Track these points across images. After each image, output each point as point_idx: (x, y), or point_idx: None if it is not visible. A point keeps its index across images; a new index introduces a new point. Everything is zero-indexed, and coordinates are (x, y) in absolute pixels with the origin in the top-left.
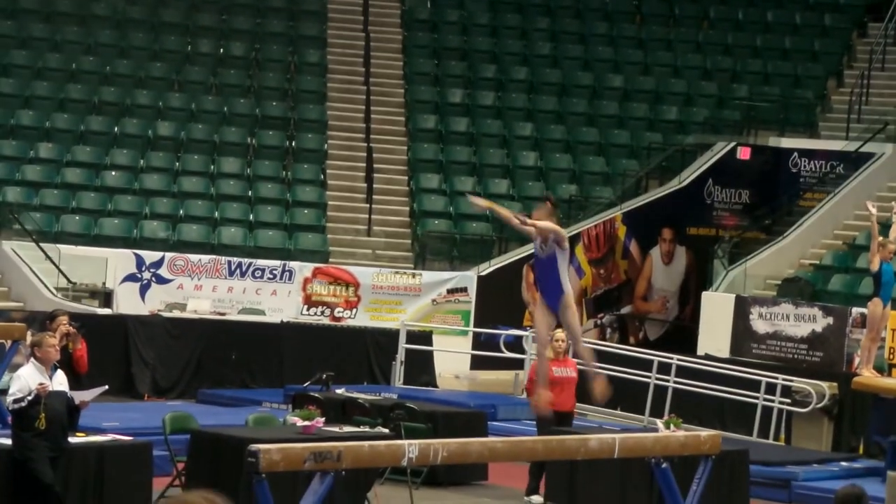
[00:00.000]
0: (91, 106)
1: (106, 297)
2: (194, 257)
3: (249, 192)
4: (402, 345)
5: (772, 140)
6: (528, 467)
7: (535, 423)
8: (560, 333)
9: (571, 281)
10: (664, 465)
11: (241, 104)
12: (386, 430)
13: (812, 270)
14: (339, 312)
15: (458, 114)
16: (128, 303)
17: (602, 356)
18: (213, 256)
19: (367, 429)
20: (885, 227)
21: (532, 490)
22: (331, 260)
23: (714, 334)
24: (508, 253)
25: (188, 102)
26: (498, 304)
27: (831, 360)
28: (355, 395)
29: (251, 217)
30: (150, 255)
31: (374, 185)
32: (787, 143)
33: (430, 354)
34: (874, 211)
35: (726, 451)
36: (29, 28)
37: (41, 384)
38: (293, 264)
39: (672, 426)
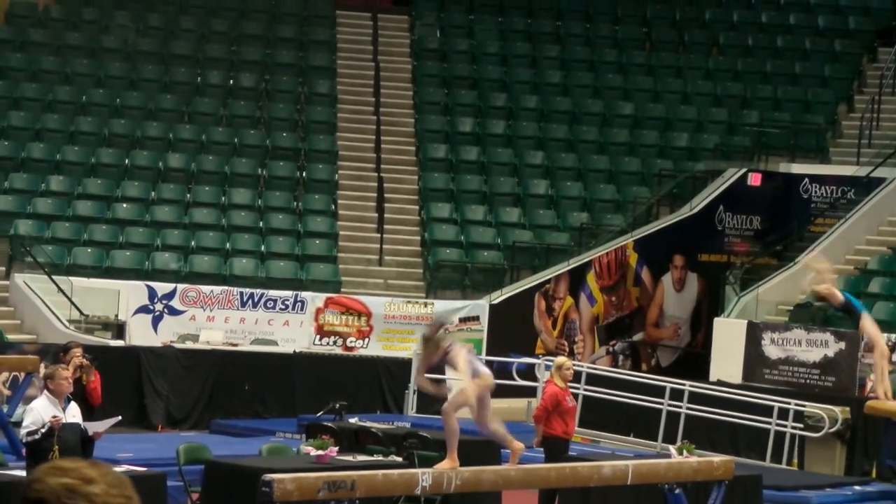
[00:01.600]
0: (102, 138)
1: (118, 329)
2: (206, 288)
3: (260, 223)
4: (415, 374)
5: (782, 166)
6: (538, 496)
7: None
8: (568, 361)
9: (582, 308)
10: (677, 491)
11: (251, 135)
12: (399, 459)
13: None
14: (351, 342)
15: (468, 143)
16: (140, 334)
17: (614, 383)
18: (225, 287)
19: (380, 458)
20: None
21: None
22: (342, 290)
23: (726, 360)
24: (520, 281)
25: (198, 134)
26: (510, 333)
27: (843, 385)
28: (368, 424)
29: (262, 248)
30: (162, 287)
31: (385, 215)
32: (797, 168)
33: (442, 383)
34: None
35: (739, 477)
36: (39, 61)
37: (55, 416)
38: (305, 294)
39: (685, 452)
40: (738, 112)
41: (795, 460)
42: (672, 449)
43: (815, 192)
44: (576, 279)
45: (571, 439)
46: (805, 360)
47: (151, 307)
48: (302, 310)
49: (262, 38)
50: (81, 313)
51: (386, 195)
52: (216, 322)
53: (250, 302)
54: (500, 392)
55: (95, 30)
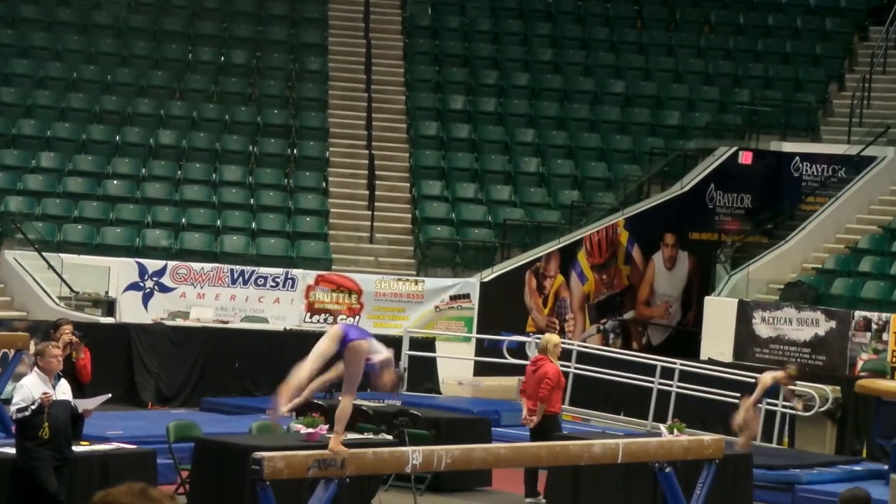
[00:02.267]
0: (92, 115)
1: (109, 306)
2: (197, 266)
3: (251, 200)
4: (406, 351)
5: (773, 144)
6: (523, 472)
7: None
8: (557, 338)
9: (573, 286)
10: (668, 470)
11: (242, 112)
12: (390, 437)
13: (814, 274)
14: (341, 320)
15: (459, 120)
16: (131, 311)
17: (605, 361)
18: (216, 265)
19: (370, 436)
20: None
21: (530, 493)
22: (333, 267)
23: (717, 339)
24: (511, 259)
25: (189, 111)
26: (500, 311)
27: (834, 364)
28: (359, 402)
29: (253, 225)
30: (152, 264)
31: (376, 193)
32: (788, 147)
33: (433, 361)
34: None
35: (730, 456)
36: (30, 37)
37: (45, 393)
38: (296, 272)
39: (675, 431)
40: (729, 90)
41: (786, 439)
42: (663, 428)
43: (806, 170)
44: (567, 257)
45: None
46: (796, 339)
47: (142, 284)
48: (293, 287)
49: (253, 15)
50: (72, 290)
51: (377, 173)
52: (206, 299)
53: (241, 279)
54: (490, 370)
55: (86, 6)
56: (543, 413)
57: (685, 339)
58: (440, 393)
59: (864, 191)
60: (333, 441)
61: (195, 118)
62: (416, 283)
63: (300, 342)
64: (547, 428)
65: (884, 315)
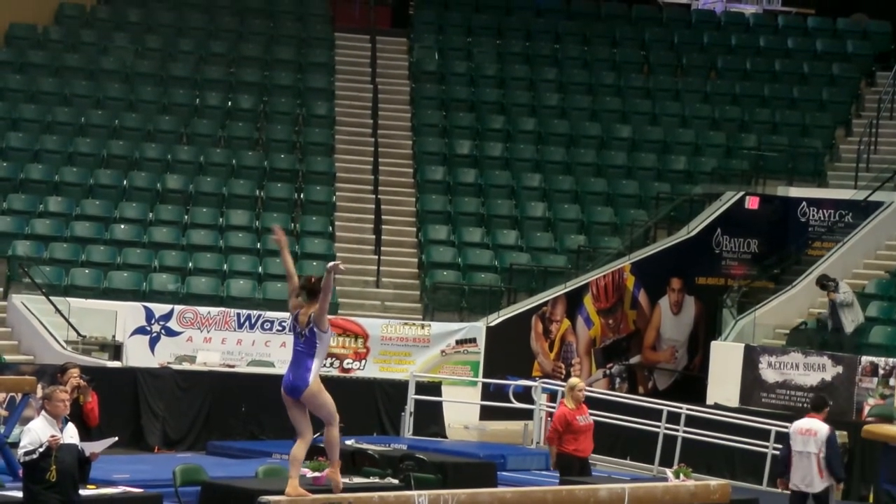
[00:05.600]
0: (100, 160)
1: (115, 350)
2: (203, 310)
3: (258, 245)
4: (412, 395)
5: (780, 189)
6: None
7: (544, 473)
8: (581, 382)
9: (579, 331)
10: None
11: (249, 157)
12: (396, 481)
13: (817, 320)
14: (348, 364)
15: (466, 165)
16: (137, 355)
17: (611, 406)
18: (223, 309)
19: (376, 480)
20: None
21: None
22: (339, 311)
23: (723, 384)
24: (517, 304)
25: (197, 155)
26: (507, 355)
27: (841, 409)
28: (365, 446)
29: (260, 269)
30: (159, 308)
31: (383, 237)
32: (795, 192)
33: (439, 405)
34: None
35: (736, 501)
36: (38, 83)
37: (52, 437)
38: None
39: (682, 475)
40: (735, 135)
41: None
42: (669, 472)
43: (813, 215)
44: (573, 302)
45: (587, 457)
46: (802, 384)
47: (149, 328)
48: None
49: (260, 60)
50: (79, 334)
51: (383, 217)
52: (213, 343)
53: (247, 323)
54: (496, 414)
55: (94, 52)
56: (557, 454)
57: (691, 384)
58: (446, 437)
59: (872, 236)
60: (331, 472)
61: (202, 163)
62: (423, 327)
63: None
64: (562, 469)
65: (891, 360)
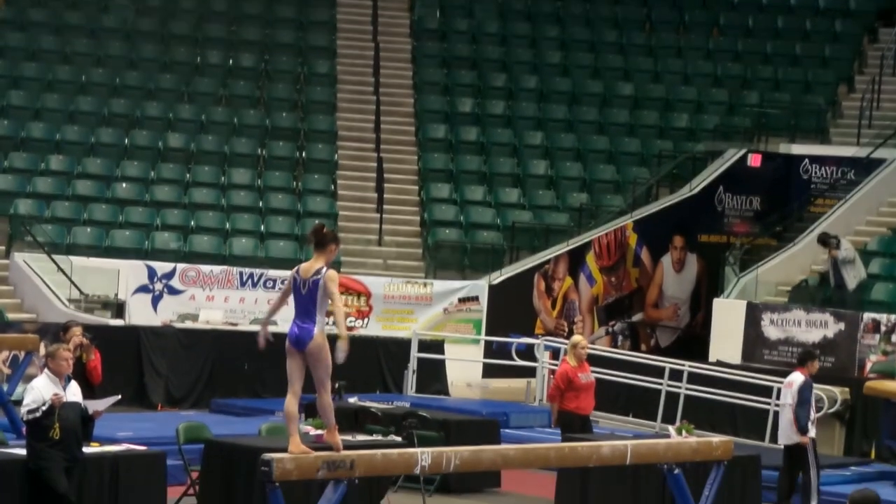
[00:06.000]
0: (101, 118)
1: (118, 309)
2: (206, 268)
3: (260, 203)
4: (414, 354)
5: (782, 147)
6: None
7: (547, 430)
8: (583, 340)
9: (582, 289)
10: (676, 471)
11: (250, 115)
12: (398, 439)
13: (819, 276)
14: (350, 322)
15: (468, 123)
16: (140, 314)
17: (614, 363)
18: (225, 267)
19: (379, 437)
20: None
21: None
22: (342, 270)
23: (725, 341)
24: (520, 261)
25: (198, 114)
26: (509, 313)
27: (843, 366)
28: (368, 404)
29: (262, 228)
30: (161, 267)
31: (385, 195)
32: (797, 149)
33: (441, 363)
34: None
35: (738, 457)
36: (39, 41)
37: (55, 395)
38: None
39: (684, 432)
40: (738, 92)
41: None
42: (671, 429)
43: (815, 172)
44: (575, 260)
45: (589, 414)
46: (804, 341)
47: (151, 287)
48: None
49: (261, 18)
50: (81, 292)
51: (385, 175)
52: (216, 302)
53: (250, 282)
54: (499, 372)
55: (95, 9)
56: (559, 411)
57: (694, 341)
58: (449, 395)
59: (874, 193)
60: (329, 435)
61: (203, 121)
62: (425, 285)
63: None
64: (563, 426)
65: (893, 317)
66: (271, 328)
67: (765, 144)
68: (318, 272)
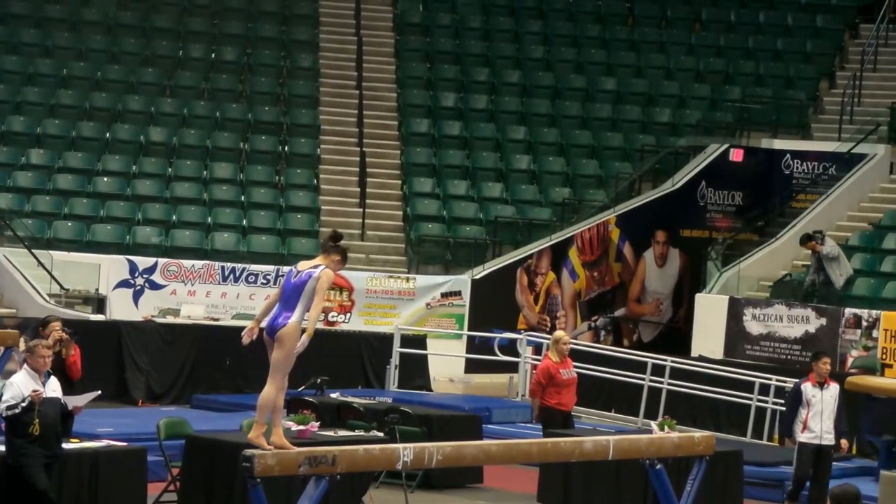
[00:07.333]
0: (82, 112)
1: (99, 304)
2: (187, 263)
3: (242, 198)
4: (397, 349)
5: (764, 142)
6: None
7: (529, 425)
8: (565, 336)
9: (564, 283)
10: (658, 467)
11: (233, 109)
12: (381, 434)
13: (805, 271)
14: (333, 317)
15: (451, 117)
16: (121, 309)
17: (596, 358)
18: (207, 262)
19: (361, 433)
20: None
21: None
22: None
23: (708, 336)
24: (502, 256)
25: (180, 108)
26: (492, 308)
27: None
28: (350, 399)
29: (244, 222)
30: (142, 261)
31: (368, 190)
32: (779, 144)
33: (424, 358)
34: None
35: (720, 452)
36: (20, 34)
37: (35, 391)
38: (287, 269)
39: (666, 427)
40: (720, 87)
41: (776, 436)
42: (653, 424)
43: (797, 167)
44: (558, 254)
45: (570, 411)
46: (786, 336)
47: (132, 281)
48: None
49: (244, 12)
50: (62, 287)
51: (368, 170)
52: (197, 296)
53: (231, 276)
54: (481, 367)
55: (76, 2)
56: (540, 407)
57: (676, 336)
58: (431, 390)
59: (855, 188)
60: (255, 432)
61: (186, 115)
62: (408, 280)
63: None
64: (544, 422)
65: (874, 312)
66: (247, 323)
67: (747, 139)
68: (316, 267)
